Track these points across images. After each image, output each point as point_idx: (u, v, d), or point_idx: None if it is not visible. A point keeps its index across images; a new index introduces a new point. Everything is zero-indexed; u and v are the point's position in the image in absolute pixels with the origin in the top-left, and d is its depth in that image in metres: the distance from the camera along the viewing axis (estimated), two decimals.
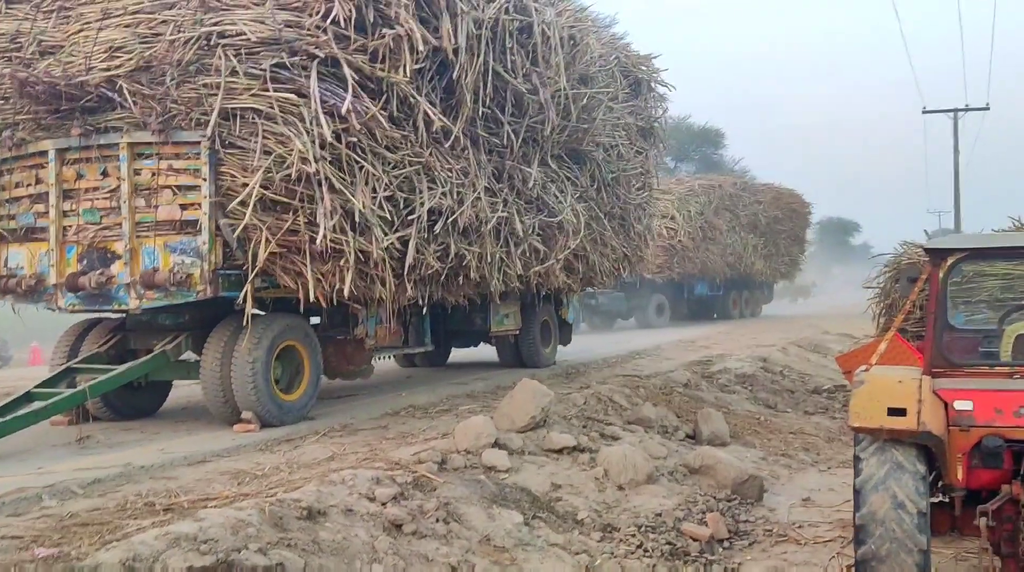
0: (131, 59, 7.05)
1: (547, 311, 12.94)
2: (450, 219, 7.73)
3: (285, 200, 6.57)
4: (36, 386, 7.12)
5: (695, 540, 6.17)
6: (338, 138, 6.47)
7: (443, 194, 7.52)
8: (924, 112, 35.10)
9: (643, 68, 12.64)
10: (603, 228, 11.54)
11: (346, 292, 6.71)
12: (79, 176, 7.36)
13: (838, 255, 73.39)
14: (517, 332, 12.21)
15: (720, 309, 27.34)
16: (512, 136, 8.51)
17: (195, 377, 7.84)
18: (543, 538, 5.72)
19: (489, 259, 8.68)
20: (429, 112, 7.08)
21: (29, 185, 7.62)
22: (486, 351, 13.01)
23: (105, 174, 7.22)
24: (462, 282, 8.63)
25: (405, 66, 6.79)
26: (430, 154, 7.43)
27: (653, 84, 12.89)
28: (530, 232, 9.34)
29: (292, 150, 6.39)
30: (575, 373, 13.09)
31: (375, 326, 9.03)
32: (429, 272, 7.88)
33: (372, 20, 6.63)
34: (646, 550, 5.74)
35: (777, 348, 18.17)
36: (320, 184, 6.49)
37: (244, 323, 7.13)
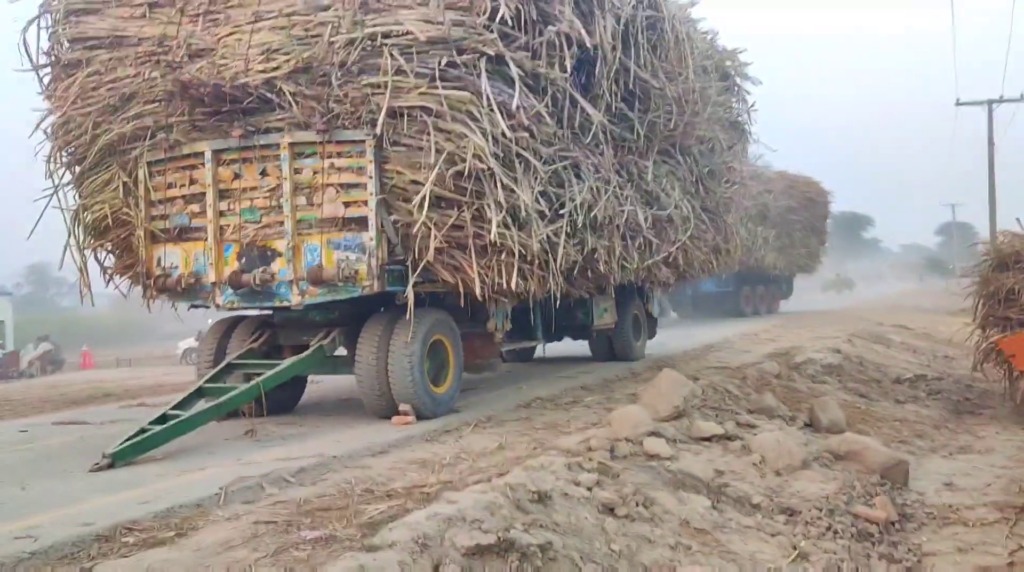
0: (289, 60, 7.17)
1: (638, 305, 13.06)
2: (591, 214, 7.82)
3: (453, 196, 6.68)
4: (205, 382, 7.27)
5: (871, 522, 6.24)
6: (506, 135, 6.57)
7: (588, 189, 7.62)
8: (958, 104, 34.83)
9: (730, 62, 12.70)
10: (700, 221, 11.61)
11: (513, 286, 6.81)
12: (236, 176, 7.50)
13: (850, 250, 73.05)
14: (613, 326, 12.31)
15: (731, 306, 25.90)
16: (639, 131, 8.59)
17: (344, 372, 8.00)
18: (734, 521, 5.82)
19: (617, 253, 8.78)
20: (587, 108, 7.18)
21: (183, 186, 7.76)
22: (557, 347, 12.93)
23: (264, 174, 7.36)
24: (590, 276, 8.73)
25: (564, 63, 6.88)
26: (576, 149, 7.52)
27: (739, 79, 12.95)
28: (646, 225, 9.43)
29: (465, 147, 6.49)
30: (668, 366, 13.17)
31: (502, 321, 9.14)
32: (566, 266, 7.99)
33: (533, 18, 6.72)
34: (835, 532, 5.82)
35: (841, 340, 18.15)
36: (490, 180, 6.60)
37: (407, 317, 7.25)
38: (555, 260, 7.33)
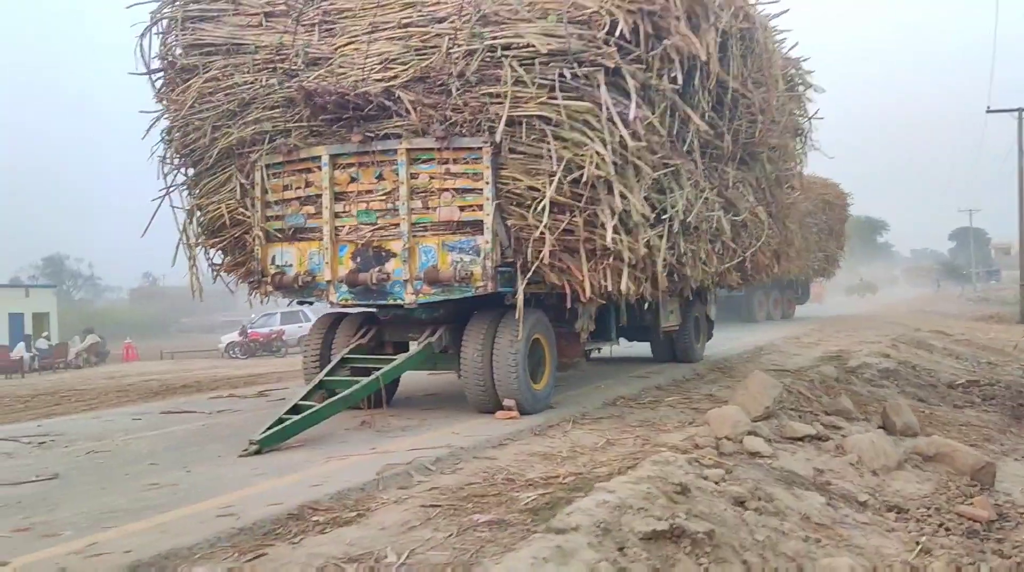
0: (407, 70, 7.49)
1: (699, 308, 13.32)
2: (686, 219, 8.09)
3: (568, 202, 6.97)
4: (325, 375, 7.60)
5: (975, 521, 6.47)
6: (622, 144, 6.85)
7: (687, 196, 7.89)
8: (988, 111, 34.85)
9: (794, 70, 12.91)
10: (767, 227, 11.84)
11: (623, 289, 7.09)
12: (352, 179, 7.83)
13: (864, 253, 72.87)
14: (677, 328, 12.57)
15: (744, 312, 25.39)
16: (729, 139, 8.85)
17: (445, 368, 8.31)
18: (850, 517, 6.07)
19: (703, 256, 9.04)
20: (694, 119, 7.45)
21: (298, 188, 8.10)
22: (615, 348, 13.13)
23: (381, 178, 7.68)
24: (676, 279, 8.99)
25: (675, 75, 7.16)
26: (676, 157, 7.79)
27: (802, 87, 13.15)
28: (727, 230, 9.69)
29: (583, 155, 6.78)
30: (726, 367, 13.45)
31: (587, 322, 9.43)
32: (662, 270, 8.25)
33: (648, 32, 6.99)
34: (947, 529, 6.06)
35: (886, 345, 18.33)
36: (604, 187, 6.88)
37: (511, 316, 7.56)
38: (656, 264, 7.59)
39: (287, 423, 6.50)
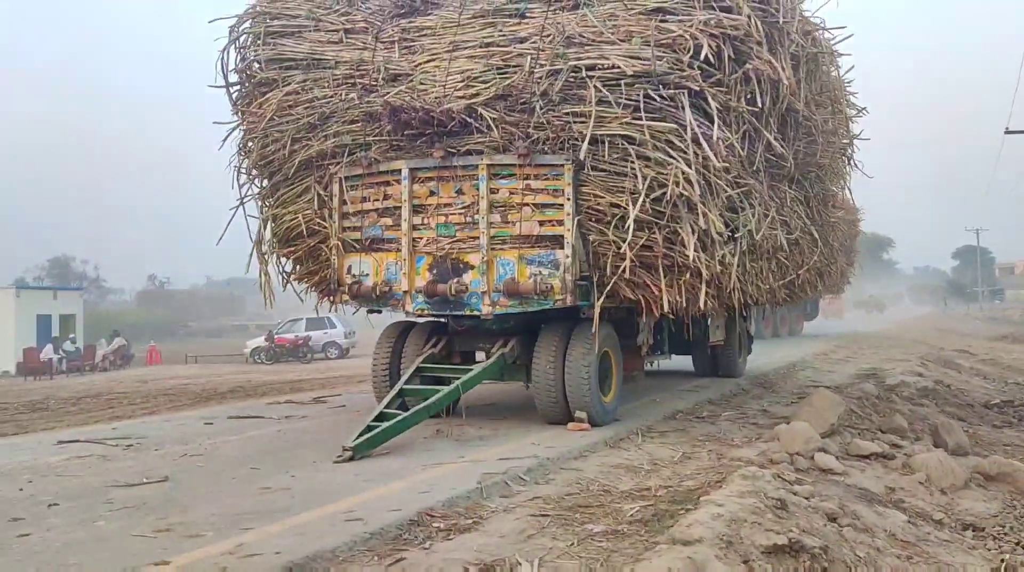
0: (488, 88, 7.66)
1: (740, 324, 13.43)
2: (754, 238, 8.22)
3: (649, 219, 7.11)
4: (404, 384, 7.75)
5: None
6: (703, 164, 7.00)
7: (757, 215, 8.03)
8: (1007, 133, 34.96)
9: (837, 90, 13.05)
10: (814, 244, 11.96)
11: (701, 305, 7.23)
12: (431, 193, 7.99)
13: (869, 270, 73.10)
14: (721, 343, 12.69)
15: (751, 328, 25.63)
16: (791, 159, 8.99)
17: (512, 378, 8.45)
18: (932, 534, 6.17)
19: (764, 274, 9.17)
20: (773, 142, 7.61)
21: (376, 200, 8.27)
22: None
23: (460, 192, 7.85)
24: (737, 296, 9.11)
25: (752, 97, 7.31)
26: (748, 177, 7.94)
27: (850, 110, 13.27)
28: (785, 248, 9.81)
29: (665, 174, 6.93)
30: (768, 383, 13.57)
31: (647, 336, 9.57)
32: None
33: (730, 56, 7.15)
34: None
35: (915, 364, 18.41)
36: (685, 206, 7.03)
37: (582, 330, 7.70)
38: (729, 280, 7.72)
39: (377, 430, 6.63)
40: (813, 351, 21.64)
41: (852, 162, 13.42)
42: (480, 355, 8.54)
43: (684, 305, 7.53)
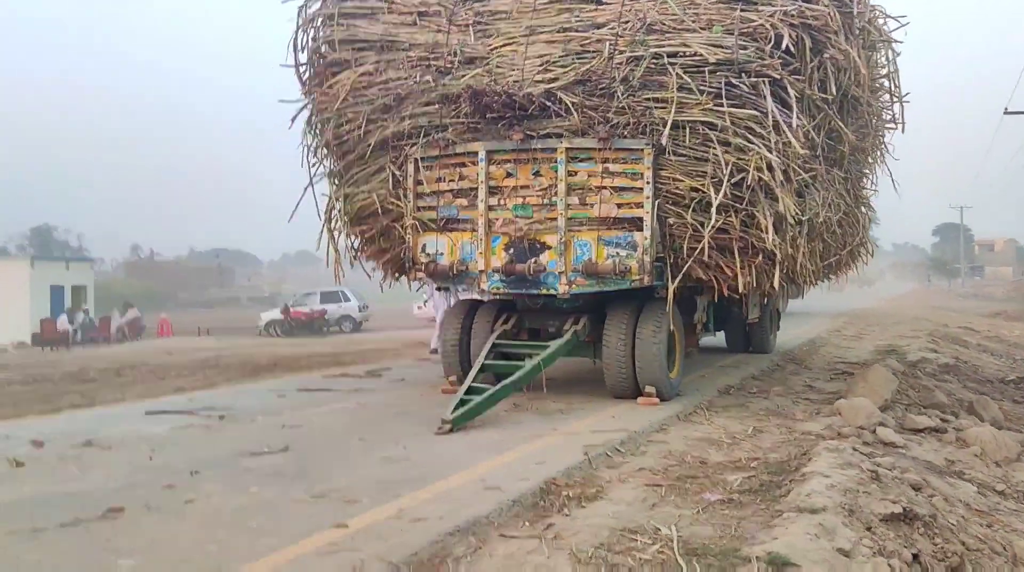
0: (567, 73, 7.82)
1: (772, 302, 13.71)
2: (817, 220, 8.46)
3: (727, 202, 7.33)
4: (485, 360, 7.99)
5: None
6: (781, 151, 7.21)
7: (821, 199, 8.26)
8: (1006, 113, 35.29)
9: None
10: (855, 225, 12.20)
11: (775, 285, 7.48)
12: (508, 175, 8.17)
13: None
14: (756, 320, 12.99)
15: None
16: (847, 143, 9.20)
17: (581, 355, 8.70)
18: (1000, 504, 6.50)
19: (816, 254, 9.41)
20: (842, 130, 7.82)
21: (451, 181, 8.45)
22: None
23: (538, 174, 8.03)
24: (805, 276, 9.35)
25: (826, 85, 7.51)
26: (816, 162, 8.15)
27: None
28: (836, 230, 10.05)
29: (745, 159, 7.14)
30: (799, 359, 13.90)
31: (702, 314, 9.83)
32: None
33: (808, 45, 7.33)
34: None
35: (925, 341, 18.79)
36: (762, 190, 7.25)
37: (652, 308, 7.96)
38: (796, 262, 7.97)
39: (471, 404, 6.88)
40: (824, 329, 21.99)
41: (885, 146, 13.64)
42: (542, 332, 8.75)
43: (755, 285, 7.76)
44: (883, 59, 11.26)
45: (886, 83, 13.20)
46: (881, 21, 9.79)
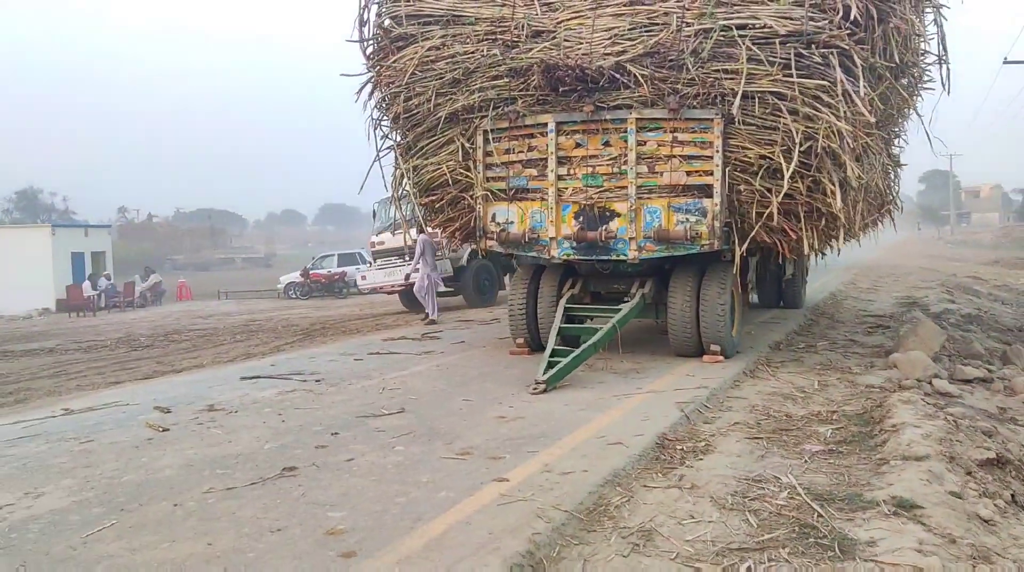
0: (635, 45, 8.03)
1: (804, 260, 14.07)
2: (872, 183, 8.75)
3: (796, 169, 7.61)
4: (565, 324, 8.34)
5: None
6: (848, 119, 7.46)
7: (878, 163, 8.54)
8: (1005, 62, 35.30)
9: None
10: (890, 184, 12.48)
11: (839, 246, 7.80)
12: (577, 145, 8.43)
13: None
14: (789, 278, 13.36)
15: None
16: (894, 106, 9.43)
17: (646, 316, 9.05)
18: None
19: (864, 214, 9.73)
20: (907, 98, 8.08)
21: (520, 152, 8.69)
22: None
23: (608, 144, 8.28)
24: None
25: (889, 53, 7.74)
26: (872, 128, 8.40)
27: None
28: (883, 190, 10.35)
29: (817, 128, 7.40)
30: (827, 313, 14.29)
31: (752, 274, 10.17)
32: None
33: (872, 15, 7.54)
34: None
35: (940, 292, 19.20)
36: (830, 157, 7.52)
37: (733, 271, 8.30)
38: (855, 224, 8.30)
39: (560, 366, 7.25)
40: (838, 282, 22.37)
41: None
42: (606, 295, 9.09)
43: (817, 247, 8.09)
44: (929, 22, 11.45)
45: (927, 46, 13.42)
46: None
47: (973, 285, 22.95)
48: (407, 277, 14.27)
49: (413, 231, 14.84)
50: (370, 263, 17.87)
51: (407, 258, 16.17)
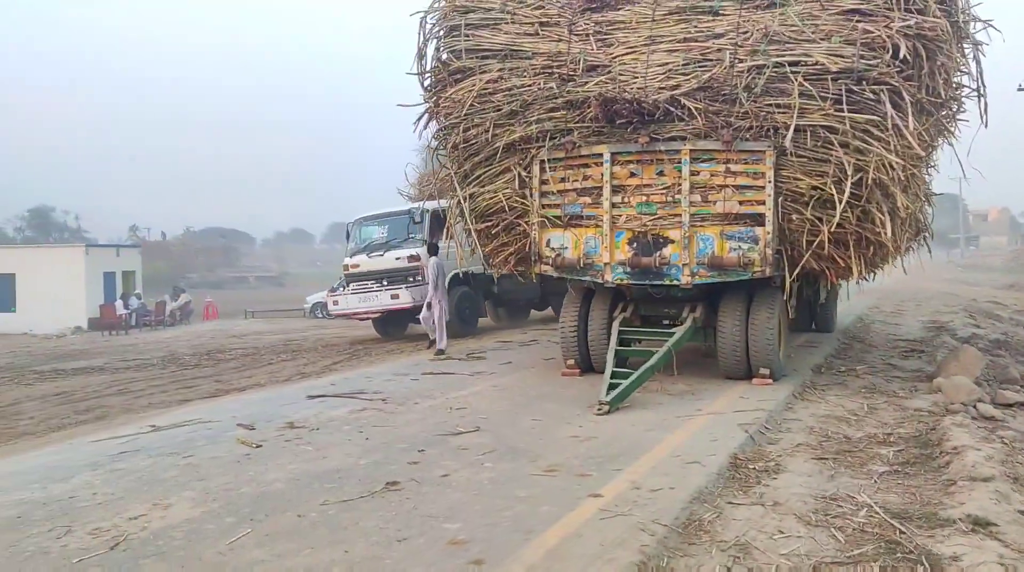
0: (689, 79, 8.36)
1: (837, 285, 14.29)
2: (917, 212, 9.02)
3: (848, 200, 7.88)
4: (618, 347, 8.61)
5: None
6: (899, 153, 7.75)
7: (922, 192, 8.81)
8: (1019, 89, 35.52)
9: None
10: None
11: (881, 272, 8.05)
12: (631, 175, 8.74)
13: None
14: (824, 301, 13.59)
15: None
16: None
17: (694, 340, 9.31)
18: None
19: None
20: (949, 132, 8.37)
21: (575, 181, 9.02)
22: None
23: (662, 174, 8.60)
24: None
25: (936, 89, 8.03)
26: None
27: None
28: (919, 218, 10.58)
29: (868, 161, 7.69)
30: (858, 337, 14.48)
31: (794, 298, 10.41)
32: None
33: (920, 54, 7.84)
34: None
35: (963, 317, 19.30)
36: (880, 188, 7.80)
37: (762, 295, 8.56)
38: (901, 252, 8.56)
39: (621, 388, 7.52)
40: (862, 306, 22.50)
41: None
42: (655, 319, 9.37)
43: (864, 274, 8.35)
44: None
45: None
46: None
47: (994, 310, 23.01)
48: (428, 305, 12.96)
49: (423, 253, 14.56)
50: (343, 287, 16.84)
51: (385, 282, 15.68)
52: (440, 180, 9.85)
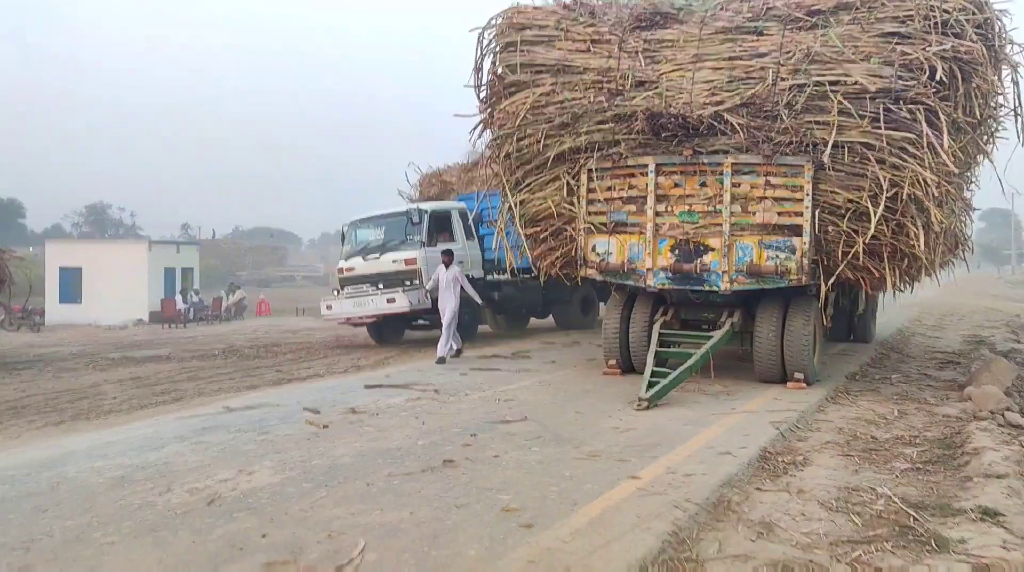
0: (732, 96, 8.75)
1: (874, 295, 14.45)
2: (952, 226, 9.26)
3: (883, 214, 8.19)
4: (658, 348, 9.03)
5: None
6: (934, 169, 8.04)
7: (956, 208, 9.06)
8: None
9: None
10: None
11: (918, 284, 8.33)
12: (675, 185, 9.16)
13: None
14: (862, 312, 13.77)
15: None
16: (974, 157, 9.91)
17: (732, 344, 9.66)
18: None
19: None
20: (985, 153, 8.63)
21: (621, 190, 9.47)
22: None
23: (704, 185, 9.00)
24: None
25: (972, 109, 8.30)
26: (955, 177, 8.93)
27: None
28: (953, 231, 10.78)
29: (904, 177, 7.99)
30: (896, 348, 14.59)
31: (830, 307, 10.70)
32: None
33: (956, 75, 8.12)
34: None
35: (1006, 332, 19.13)
36: (914, 203, 8.10)
37: (821, 306, 8.89)
38: (935, 264, 8.82)
39: (660, 386, 7.94)
40: (903, 319, 22.44)
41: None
42: (693, 323, 9.75)
43: (898, 285, 8.64)
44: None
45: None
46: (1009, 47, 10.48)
47: None
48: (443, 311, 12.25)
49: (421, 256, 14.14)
50: (336, 291, 15.84)
51: (381, 286, 14.78)
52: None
